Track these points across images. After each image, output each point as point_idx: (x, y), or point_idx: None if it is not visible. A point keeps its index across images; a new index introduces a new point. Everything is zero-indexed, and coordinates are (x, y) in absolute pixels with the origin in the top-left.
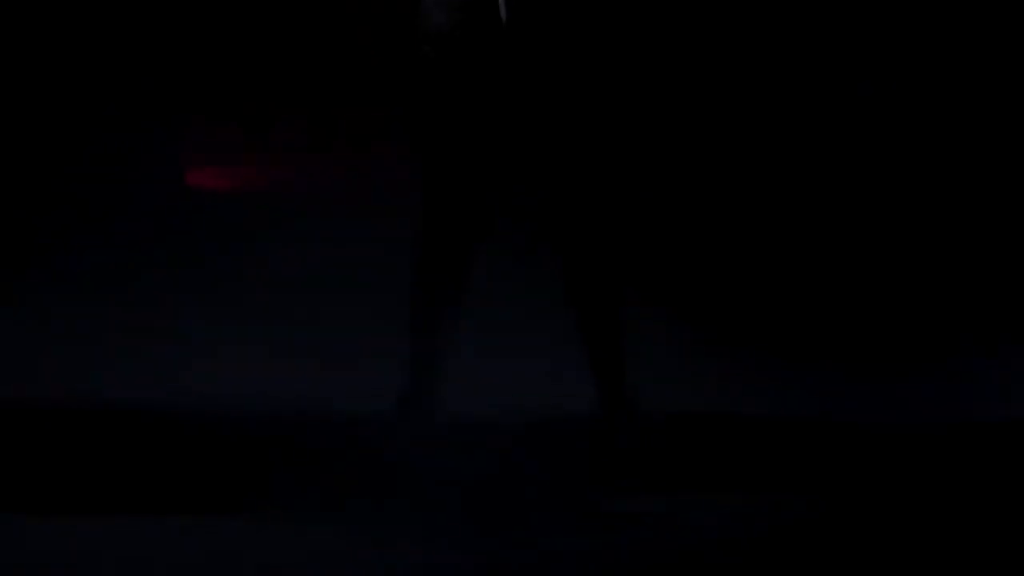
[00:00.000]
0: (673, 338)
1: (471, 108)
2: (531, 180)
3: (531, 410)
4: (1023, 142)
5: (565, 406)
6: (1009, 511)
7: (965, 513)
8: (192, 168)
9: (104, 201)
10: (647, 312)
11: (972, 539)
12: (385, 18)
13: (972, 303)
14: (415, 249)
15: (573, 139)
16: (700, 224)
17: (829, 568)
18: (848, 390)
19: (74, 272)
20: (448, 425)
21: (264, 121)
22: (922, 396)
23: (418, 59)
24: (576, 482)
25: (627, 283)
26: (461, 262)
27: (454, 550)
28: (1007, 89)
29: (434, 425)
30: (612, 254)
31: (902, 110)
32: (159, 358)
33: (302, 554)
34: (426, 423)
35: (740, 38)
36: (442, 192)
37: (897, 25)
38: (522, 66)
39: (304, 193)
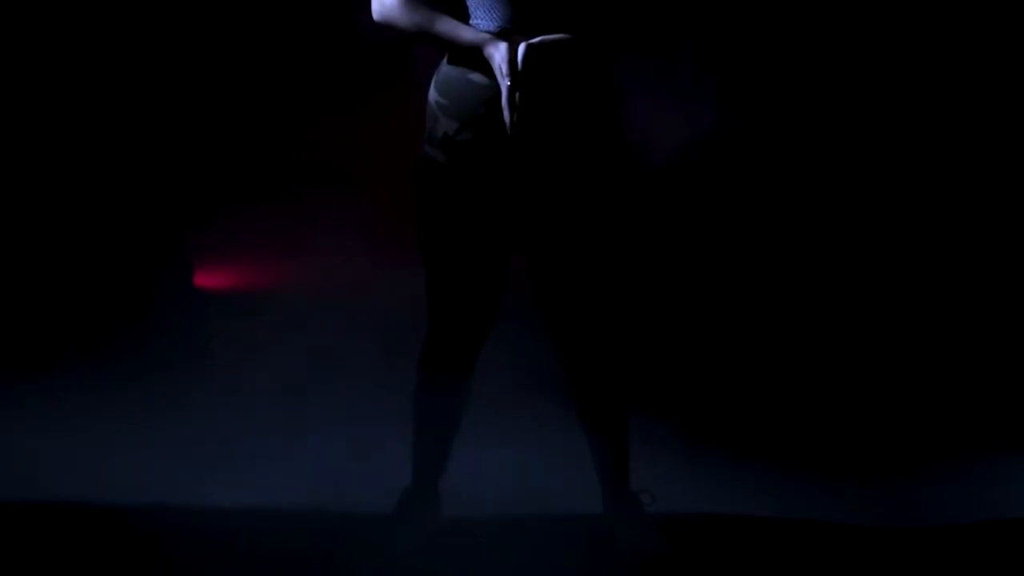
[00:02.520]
0: (678, 438)
1: (476, 212)
2: (535, 279)
3: (534, 509)
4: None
5: (568, 506)
6: None
7: None
8: (200, 269)
9: (111, 304)
10: (651, 412)
11: None
12: (393, 120)
13: (979, 406)
14: (421, 346)
15: (578, 243)
16: (705, 325)
17: None
18: (858, 493)
19: (78, 379)
20: (451, 522)
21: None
22: (934, 499)
23: (424, 163)
24: None
25: (632, 382)
26: (466, 360)
27: None
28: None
29: (437, 522)
30: (618, 352)
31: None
32: (157, 460)
33: None
34: (429, 520)
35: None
36: (446, 293)
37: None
38: (527, 172)
39: (312, 292)
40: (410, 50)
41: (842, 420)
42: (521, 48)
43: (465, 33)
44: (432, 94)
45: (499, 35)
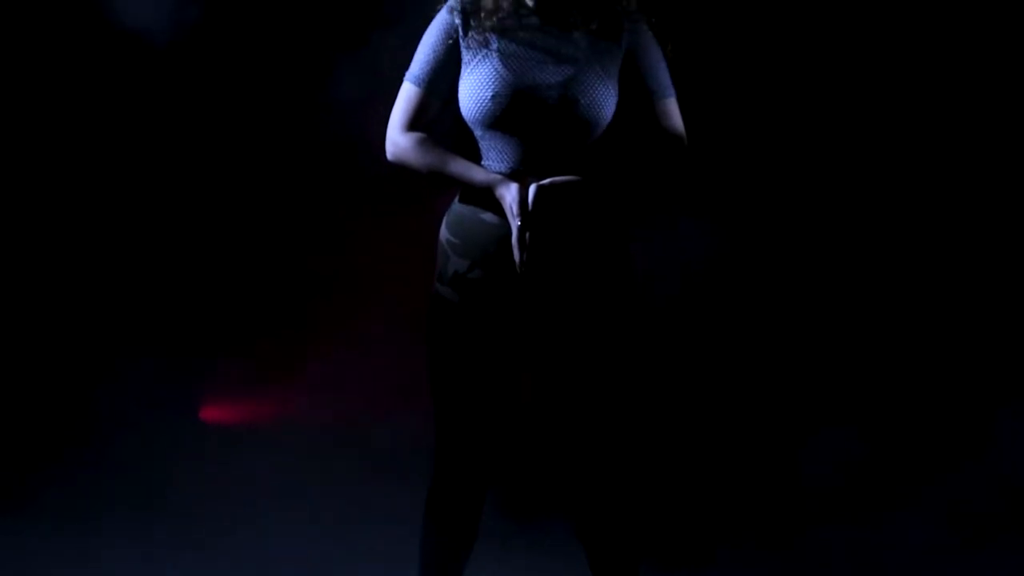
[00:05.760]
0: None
1: (487, 350)
2: (544, 415)
3: None
4: None
5: None
6: None
7: None
8: (206, 404)
9: (112, 438)
10: (660, 561)
11: None
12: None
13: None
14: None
15: (586, 381)
16: (709, 475)
17: None
18: None
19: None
20: None
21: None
22: None
23: (435, 301)
24: None
25: (641, 522)
26: (472, 504)
27: None
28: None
29: None
30: (626, 489)
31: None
32: None
33: None
34: None
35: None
36: (455, 429)
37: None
38: (537, 311)
39: (315, 427)
40: (419, 186)
41: (851, 554)
42: (532, 189)
43: (477, 174)
44: (443, 233)
45: (510, 176)
